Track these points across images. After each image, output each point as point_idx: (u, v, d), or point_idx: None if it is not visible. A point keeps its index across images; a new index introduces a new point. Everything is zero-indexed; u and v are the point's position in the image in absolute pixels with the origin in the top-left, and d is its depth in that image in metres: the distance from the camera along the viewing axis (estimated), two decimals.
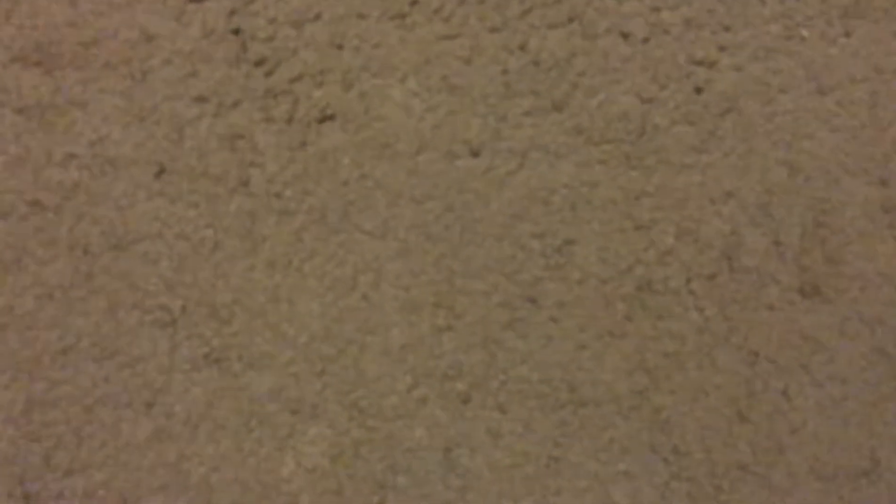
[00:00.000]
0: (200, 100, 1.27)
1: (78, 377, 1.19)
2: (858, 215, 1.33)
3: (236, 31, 1.29)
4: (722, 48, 1.36)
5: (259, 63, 1.29)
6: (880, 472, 1.26)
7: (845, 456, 1.26)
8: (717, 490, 1.24)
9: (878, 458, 1.26)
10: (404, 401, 1.23)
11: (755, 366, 1.28)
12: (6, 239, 1.21)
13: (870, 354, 1.29)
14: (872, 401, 1.28)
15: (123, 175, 1.24)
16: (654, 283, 1.29)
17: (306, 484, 1.19)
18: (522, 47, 1.34)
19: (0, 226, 1.22)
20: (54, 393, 1.18)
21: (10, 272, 1.20)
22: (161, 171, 1.24)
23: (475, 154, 1.30)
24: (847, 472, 1.26)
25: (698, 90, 1.35)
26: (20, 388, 1.18)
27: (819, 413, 1.27)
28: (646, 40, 1.35)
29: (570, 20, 1.35)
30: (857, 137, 1.35)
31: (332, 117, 1.29)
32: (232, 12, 1.29)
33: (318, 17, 1.31)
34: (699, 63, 1.36)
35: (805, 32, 1.38)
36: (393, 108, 1.30)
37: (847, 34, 1.38)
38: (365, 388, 1.22)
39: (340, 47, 1.30)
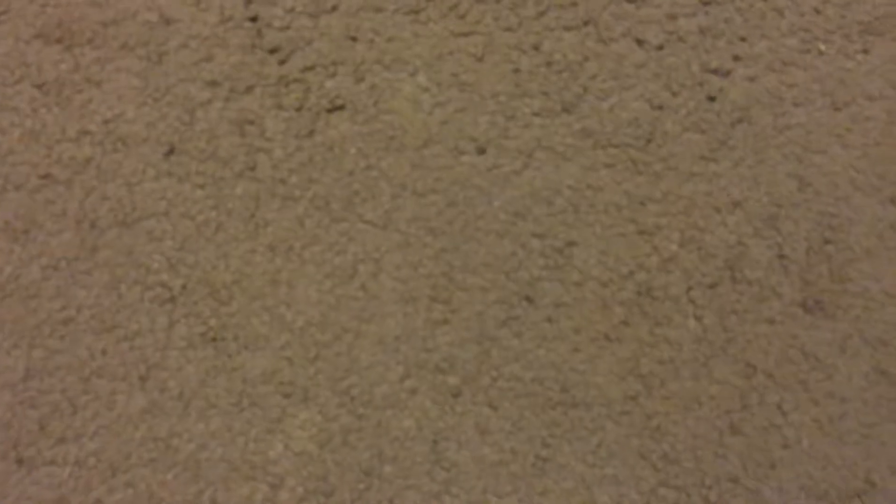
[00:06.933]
0: (213, 84, 1.35)
1: (76, 348, 1.27)
2: (866, 233, 1.37)
3: (253, 19, 1.37)
4: (737, 58, 1.42)
5: (273, 51, 1.36)
6: (874, 495, 1.30)
7: (839, 476, 1.30)
8: (705, 501, 1.28)
9: (873, 479, 1.30)
10: (395, 391, 1.29)
11: (751, 378, 1.32)
12: (17, 210, 1.30)
13: (870, 374, 1.33)
14: (870, 421, 1.31)
15: (134, 153, 1.32)
16: (654, 290, 1.34)
17: (293, 467, 1.26)
18: (536, 48, 1.40)
19: (12, 196, 1.30)
20: (53, 362, 1.26)
21: (18, 242, 1.29)
22: (171, 152, 1.32)
23: (481, 151, 1.36)
24: (840, 493, 1.30)
25: (711, 99, 1.40)
26: (20, 356, 1.26)
27: (814, 430, 1.31)
28: (660, 47, 1.41)
29: (586, 23, 1.41)
30: (869, 155, 1.40)
31: (341, 107, 1.36)
32: (250, 0, 1.37)
33: (334, 8, 1.38)
34: (713, 72, 1.41)
35: (822, 47, 1.43)
36: (402, 102, 1.36)
37: (865, 51, 1.43)
38: (357, 375, 1.28)
39: (354, 39, 1.38)
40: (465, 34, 1.42)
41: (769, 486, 1.31)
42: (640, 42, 1.43)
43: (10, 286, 1.30)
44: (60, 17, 1.38)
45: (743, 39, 1.44)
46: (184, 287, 1.31)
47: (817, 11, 1.45)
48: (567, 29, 1.43)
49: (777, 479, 1.32)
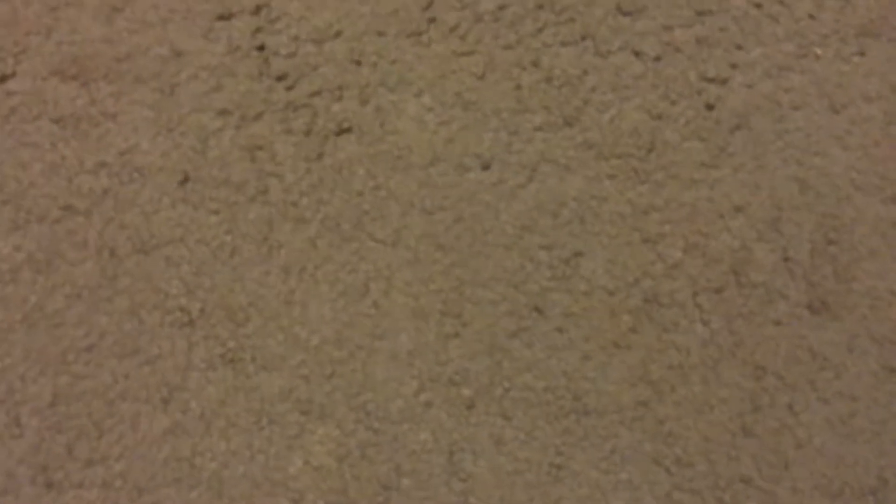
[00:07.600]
0: (224, 112, 1.39)
1: (100, 373, 1.31)
2: (869, 233, 1.39)
3: (260, 48, 1.41)
4: (734, 66, 1.44)
5: (281, 78, 1.41)
6: (887, 492, 1.31)
7: (851, 473, 1.32)
8: (720, 502, 1.30)
9: (885, 476, 1.32)
10: (410, 405, 1.32)
11: (761, 380, 1.34)
12: (40, 241, 1.35)
13: (878, 372, 1.35)
14: (880, 419, 1.33)
15: (150, 183, 1.37)
16: (661, 296, 1.36)
17: (313, 482, 1.29)
18: (535, 64, 1.43)
19: (35, 229, 1.35)
20: (78, 387, 1.30)
21: (41, 272, 1.33)
22: (185, 180, 1.37)
23: (486, 167, 1.39)
24: (853, 490, 1.31)
25: (709, 107, 1.43)
26: (47, 382, 1.30)
27: (825, 429, 1.33)
28: (657, 58, 1.44)
29: (583, 38, 1.44)
30: (869, 156, 1.42)
31: (348, 130, 1.40)
32: (257, 30, 1.42)
33: (338, 34, 1.43)
34: (710, 80, 1.44)
35: (818, 51, 1.46)
36: (407, 122, 1.40)
37: (861, 53, 1.45)
38: (373, 391, 1.32)
39: (359, 63, 1.42)
40: (466, 54, 1.46)
41: (783, 486, 1.33)
42: (637, 54, 1.46)
43: (35, 315, 1.35)
44: (76, 55, 1.43)
45: (739, 47, 1.47)
46: (202, 310, 1.36)
47: (812, 16, 1.48)
48: (565, 44, 1.47)
49: (790, 478, 1.33)
